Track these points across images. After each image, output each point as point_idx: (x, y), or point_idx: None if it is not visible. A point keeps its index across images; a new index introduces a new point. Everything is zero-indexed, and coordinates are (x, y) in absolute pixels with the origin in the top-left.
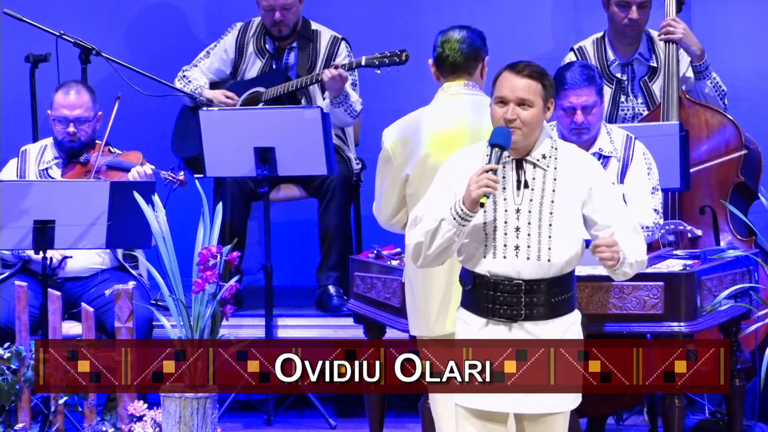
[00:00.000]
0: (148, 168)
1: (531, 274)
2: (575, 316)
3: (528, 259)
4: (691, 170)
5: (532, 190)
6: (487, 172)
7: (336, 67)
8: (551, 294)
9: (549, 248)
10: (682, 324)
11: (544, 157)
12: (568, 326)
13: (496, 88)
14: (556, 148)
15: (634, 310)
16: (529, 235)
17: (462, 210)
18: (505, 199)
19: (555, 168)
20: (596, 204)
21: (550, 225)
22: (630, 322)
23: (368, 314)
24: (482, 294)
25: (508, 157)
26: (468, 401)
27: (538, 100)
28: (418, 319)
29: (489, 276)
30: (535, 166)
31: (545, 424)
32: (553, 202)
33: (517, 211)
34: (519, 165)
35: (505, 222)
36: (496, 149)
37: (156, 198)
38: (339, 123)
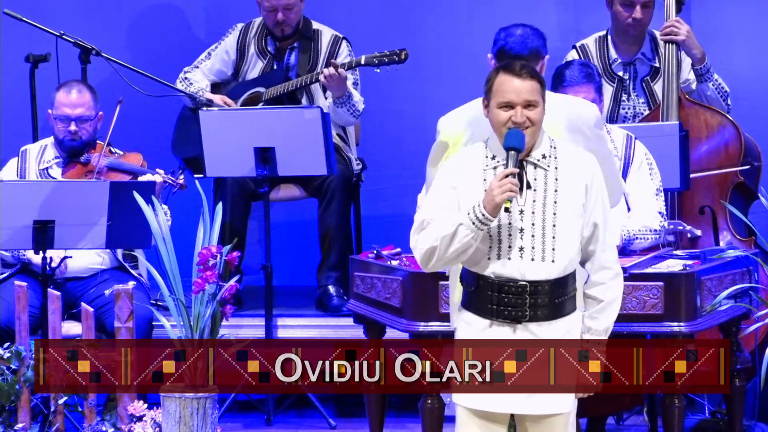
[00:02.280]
0: (159, 177)
1: (535, 276)
2: (577, 315)
3: (533, 260)
4: (691, 176)
5: (535, 191)
6: (507, 176)
7: (335, 67)
8: (555, 295)
9: (553, 249)
10: (682, 324)
11: (544, 157)
12: (571, 326)
13: (496, 93)
14: (554, 147)
15: (634, 310)
16: (533, 236)
17: (483, 215)
18: (512, 203)
19: (555, 168)
20: (587, 204)
21: (554, 225)
22: (630, 322)
23: (368, 314)
24: (486, 296)
25: (506, 159)
26: (470, 402)
27: (540, 99)
28: (452, 313)
29: (493, 278)
30: (536, 166)
31: (547, 424)
32: (555, 202)
33: (521, 212)
34: (520, 166)
35: (509, 224)
36: (512, 152)
37: (155, 198)
38: (341, 122)
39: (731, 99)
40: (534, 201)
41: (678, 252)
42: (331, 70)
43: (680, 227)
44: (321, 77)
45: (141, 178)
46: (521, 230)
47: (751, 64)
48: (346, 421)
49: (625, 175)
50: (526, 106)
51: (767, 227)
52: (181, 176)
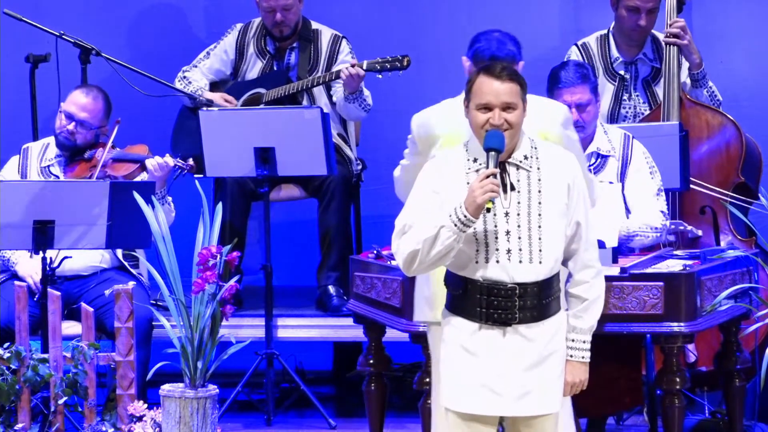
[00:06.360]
0: (170, 159)
1: (524, 277)
2: (563, 315)
3: (520, 262)
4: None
5: (518, 192)
6: (487, 177)
7: (353, 66)
8: (543, 296)
9: (540, 250)
10: (682, 324)
11: (526, 158)
12: (559, 326)
13: (476, 94)
14: (535, 148)
15: (634, 310)
16: (519, 238)
17: (465, 216)
18: (493, 203)
19: (538, 168)
20: (569, 203)
21: (540, 226)
22: (630, 322)
23: (368, 314)
24: (475, 299)
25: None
26: (459, 405)
27: (519, 102)
28: (420, 305)
29: (482, 281)
30: (518, 167)
31: (539, 424)
32: (540, 203)
33: (506, 214)
34: (502, 168)
35: (495, 226)
36: (493, 153)
37: (155, 198)
38: (351, 117)
39: (731, 99)
40: (519, 203)
41: (678, 252)
42: (352, 70)
43: (681, 227)
44: (343, 75)
45: (147, 161)
46: (507, 232)
47: (751, 64)
48: (346, 421)
49: (623, 174)
50: (505, 108)
51: (767, 227)
52: (190, 158)
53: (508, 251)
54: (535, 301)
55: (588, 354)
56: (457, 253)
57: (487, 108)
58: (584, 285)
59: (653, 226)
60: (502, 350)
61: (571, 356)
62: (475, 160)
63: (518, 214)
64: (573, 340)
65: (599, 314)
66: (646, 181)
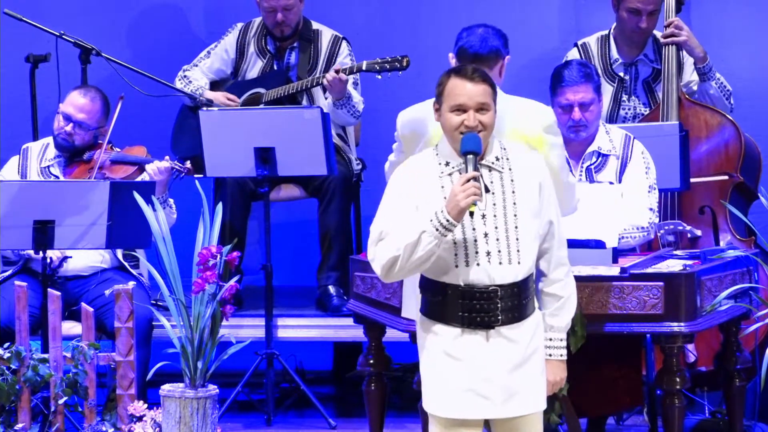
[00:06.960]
0: (166, 162)
1: (504, 279)
2: (539, 314)
3: (500, 263)
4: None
5: (493, 194)
6: (468, 180)
7: (337, 71)
8: (522, 296)
9: (518, 250)
10: (682, 324)
11: (497, 159)
12: (537, 325)
13: (448, 96)
14: (504, 149)
15: (634, 310)
16: (497, 239)
17: (447, 220)
18: (476, 206)
19: (510, 169)
20: (541, 202)
21: (516, 227)
22: (630, 322)
23: (368, 314)
24: (456, 304)
25: (463, 163)
26: (444, 410)
27: (492, 103)
28: (408, 302)
29: (463, 285)
30: (490, 169)
31: (526, 423)
32: (515, 204)
33: (483, 216)
34: (475, 170)
35: (473, 229)
36: (471, 156)
37: (155, 198)
38: (341, 123)
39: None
40: (494, 204)
41: (678, 252)
42: (334, 75)
43: (680, 227)
44: (324, 81)
45: (148, 166)
46: (486, 234)
47: (750, 64)
48: (346, 421)
49: (622, 174)
50: (479, 109)
51: (767, 227)
52: (188, 161)
53: (488, 253)
54: (516, 301)
55: (565, 351)
56: (436, 259)
57: (461, 110)
58: (559, 283)
59: (640, 226)
60: (486, 353)
61: (550, 355)
62: (447, 164)
63: (495, 216)
64: (551, 339)
65: (574, 311)
66: (640, 179)
